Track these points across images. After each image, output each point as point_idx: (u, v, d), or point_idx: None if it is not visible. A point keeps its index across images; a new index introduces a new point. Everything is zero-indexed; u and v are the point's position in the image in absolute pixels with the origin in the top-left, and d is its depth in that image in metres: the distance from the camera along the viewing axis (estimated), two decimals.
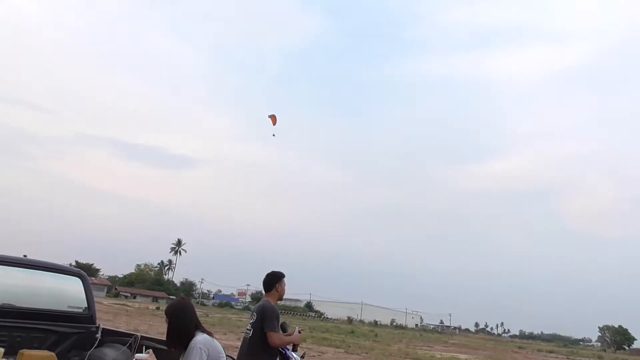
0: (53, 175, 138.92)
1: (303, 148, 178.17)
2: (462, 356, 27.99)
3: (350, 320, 75.79)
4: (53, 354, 4.35)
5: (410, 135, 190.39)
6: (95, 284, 68.12)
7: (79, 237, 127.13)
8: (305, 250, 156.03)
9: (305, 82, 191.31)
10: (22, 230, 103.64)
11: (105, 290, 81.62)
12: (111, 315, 24.16)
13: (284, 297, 4.48)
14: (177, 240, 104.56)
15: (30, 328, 4.60)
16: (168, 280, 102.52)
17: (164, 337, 3.48)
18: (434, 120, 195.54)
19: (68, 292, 5.12)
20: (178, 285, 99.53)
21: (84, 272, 5.42)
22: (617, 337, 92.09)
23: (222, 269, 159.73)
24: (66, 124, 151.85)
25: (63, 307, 4.98)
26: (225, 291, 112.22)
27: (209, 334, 3.14)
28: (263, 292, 4.42)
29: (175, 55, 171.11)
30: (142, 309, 42.30)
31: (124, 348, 4.67)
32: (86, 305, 5.12)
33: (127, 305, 45.80)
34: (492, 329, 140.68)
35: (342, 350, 21.15)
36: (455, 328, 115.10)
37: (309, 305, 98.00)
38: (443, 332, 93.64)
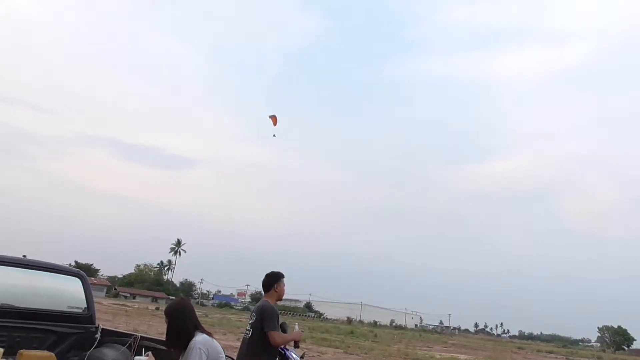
0: (53, 175, 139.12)
1: (303, 148, 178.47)
2: (462, 356, 27.98)
3: (349, 321, 75.79)
4: (52, 354, 4.35)
5: (410, 135, 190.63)
6: (94, 284, 68.07)
7: (78, 237, 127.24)
8: (305, 250, 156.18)
9: (305, 82, 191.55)
10: (21, 230, 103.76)
11: (105, 290, 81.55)
12: (110, 316, 24.14)
13: (284, 297, 4.48)
14: (176, 240, 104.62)
15: (29, 328, 4.60)
16: (167, 280, 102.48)
17: (163, 338, 3.47)
18: (434, 120, 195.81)
19: (67, 292, 5.11)
20: (177, 285, 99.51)
21: (84, 272, 5.42)
22: (617, 338, 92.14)
23: (221, 270, 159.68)
24: (66, 124, 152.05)
25: (62, 307, 4.98)
26: (225, 291, 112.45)
27: (209, 334, 3.13)
28: (262, 292, 4.42)
29: (175, 55, 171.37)
30: (141, 309, 42.27)
31: (124, 348, 4.67)
32: (85, 306, 5.12)
33: (127, 306, 45.77)
34: (491, 329, 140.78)
35: (342, 351, 21.14)
36: (454, 328, 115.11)
37: (308, 306, 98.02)
38: (442, 333, 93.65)
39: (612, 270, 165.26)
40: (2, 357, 4.03)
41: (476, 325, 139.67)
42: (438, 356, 25.28)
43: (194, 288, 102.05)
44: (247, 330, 4.19)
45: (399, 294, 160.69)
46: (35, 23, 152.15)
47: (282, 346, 4.33)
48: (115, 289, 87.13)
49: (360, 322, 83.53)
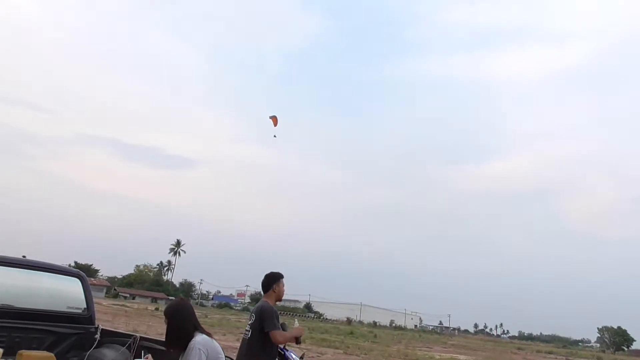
0: (53, 175, 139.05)
1: (303, 148, 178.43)
2: (461, 357, 27.98)
3: (349, 321, 75.78)
4: (52, 354, 4.36)
5: (410, 135, 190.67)
6: (94, 284, 68.04)
7: (78, 237, 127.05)
8: (304, 250, 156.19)
9: (305, 82, 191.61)
10: (21, 230, 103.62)
11: (105, 290, 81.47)
12: (110, 316, 24.12)
13: (283, 298, 4.48)
14: (176, 240, 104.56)
15: (29, 329, 4.60)
16: (167, 281, 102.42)
17: (163, 338, 3.48)
18: (434, 120, 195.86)
19: (67, 293, 5.12)
20: (177, 286, 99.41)
21: (83, 272, 5.42)
22: (616, 338, 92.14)
23: (221, 270, 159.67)
24: (66, 124, 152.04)
25: (62, 308, 4.98)
26: (225, 292, 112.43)
27: (208, 334, 3.14)
28: (262, 293, 4.43)
29: (175, 55, 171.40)
30: (141, 309, 42.25)
31: (123, 349, 4.67)
32: (85, 306, 5.12)
33: (126, 306, 45.73)
34: (491, 329, 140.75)
35: (341, 351, 21.13)
36: (454, 329, 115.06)
37: (308, 306, 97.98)
38: (442, 333, 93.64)
39: (612, 271, 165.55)
40: (1, 358, 4.04)
41: (476, 325, 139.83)
42: (438, 357, 25.28)
43: (193, 288, 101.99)
44: (246, 330, 4.19)
45: (399, 294, 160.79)
46: (35, 23, 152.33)
47: (282, 346, 4.34)
48: (114, 289, 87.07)
49: (360, 322, 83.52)
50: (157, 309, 45.42)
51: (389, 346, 29.12)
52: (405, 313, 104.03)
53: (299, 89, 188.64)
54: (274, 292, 4.28)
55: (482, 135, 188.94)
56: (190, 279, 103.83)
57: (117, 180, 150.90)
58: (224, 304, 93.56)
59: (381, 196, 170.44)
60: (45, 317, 4.75)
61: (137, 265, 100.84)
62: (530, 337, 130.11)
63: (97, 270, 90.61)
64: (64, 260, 73.76)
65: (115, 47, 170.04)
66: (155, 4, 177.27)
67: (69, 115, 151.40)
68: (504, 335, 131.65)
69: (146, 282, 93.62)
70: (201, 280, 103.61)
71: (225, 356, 3.26)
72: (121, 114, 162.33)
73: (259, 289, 4.43)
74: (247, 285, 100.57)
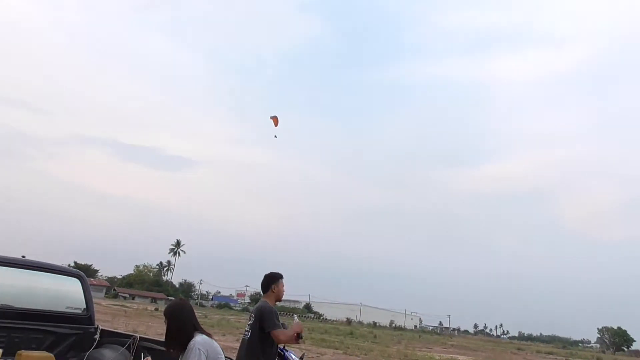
0: (52, 175, 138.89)
1: (302, 149, 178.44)
2: (461, 357, 27.98)
3: (349, 322, 75.70)
4: (51, 354, 4.36)
5: (409, 137, 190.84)
6: (93, 284, 68.02)
7: (77, 237, 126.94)
8: (304, 251, 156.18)
9: (303, 84, 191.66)
10: (20, 230, 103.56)
11: (104, 291, 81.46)
12: (110, 316, 24.10)
13: (283, 298, 4.47)
14: (176, 241, 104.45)
15: (28, 329, 4.59)
16: (167, 281, 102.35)
17: (162, 338, 3.47)
18: (433, 122, 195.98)
19: (66, 293, 5.11)
20: (177, 286, 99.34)
21: (83, 272, 5.42)
22: (616, 339, 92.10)
23: (221, 270, 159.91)
24: (65, 125, 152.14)
25: (61, 308, 4.98)
26: (224, 292, 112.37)
27: (208, 335, 3.13)
28: (261, 293, 4.42)
29: (174, 56, 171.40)
30: (140, 310, 42.23)
31: (123, 349, 4.67)
32: (85, 306, 5.11)
33: (126, 306, 45.71)
34: (491, 330, 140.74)
35: (341, 352, 21.12)
36: (454, 329, 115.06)
37: (307, 307, 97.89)
38: (442, 334, 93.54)
39: (612, 271, 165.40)
40: (1, 358, 4.03)
41: (476, 326, 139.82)
42: (437, 357, 25.27)
43: (193, 289, 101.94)
44: (245, 331, 4.18)
45: (399, 294, 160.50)
46: (34, 23, 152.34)
47: (282, 346, 4.33)
48: (114, 289, 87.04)
49: (360, 323, 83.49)
50: (156, 309, 45.40)
51: (388, 346, 29.10)
52: (405, 313, 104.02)
53: (297, 90, 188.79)
54: (273, 292, 4.27)
55: (481, 138, 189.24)
56: (189, 279, 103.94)
57: (116, 180, 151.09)
58: (223, 304, 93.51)
59: (381, 197, 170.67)
60: (44, 318, 4.74)
61: (136, 266, 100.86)
62: (530, 338, 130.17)
63: (96, 271, 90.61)
64: (64, 260, 73.82)
65: (115, 48, 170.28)
66: (154, 6, 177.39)
67: (68, 116, 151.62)
68: (504, 336, 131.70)
69: (146, 283, 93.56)
70: (201, 280, 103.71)
71: (225, 356, 3.26)
72: (120, 115, 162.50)
73: (259, 289, 4.43)
74: (246, 286, 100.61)
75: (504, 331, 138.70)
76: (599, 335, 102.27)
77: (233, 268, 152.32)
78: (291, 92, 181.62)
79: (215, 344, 3.11)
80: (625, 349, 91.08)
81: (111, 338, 5.02)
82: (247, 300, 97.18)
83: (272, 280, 4.30)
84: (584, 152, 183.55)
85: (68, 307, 5.04)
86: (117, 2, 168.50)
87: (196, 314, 3.28)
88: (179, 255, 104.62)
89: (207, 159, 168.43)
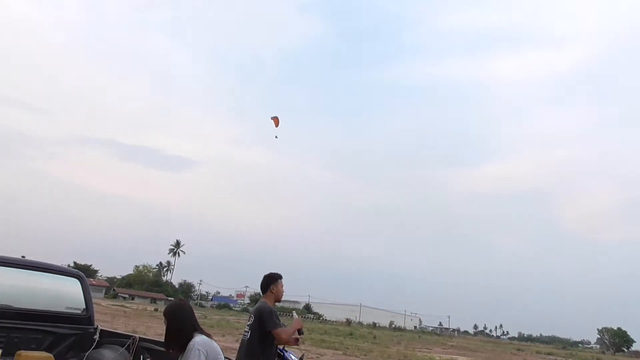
0: (52, 176, 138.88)
1: (302, 149, 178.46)
2: (461, 358, 27.99)
3: (348, 322, 75.66)
4: (51, 355, 4.35)
5: (409, 137, 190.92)
6: (93, 285, 67.91)
7: (77, 237, 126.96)
8: (304, 251, 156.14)
9: (303, 84, 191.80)
10: (20, 231, 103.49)
11: (104, 291, 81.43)
12: (109, 317, 24.09)
13: (283, 298, 4.47)
14: (175, 241, 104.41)
15: (28, 329, 4.59)
16: (166, 281, 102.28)
17: (162, 339, 3.47)
18: (433, 122, 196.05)
19: (66, 293, 5.11)
20: (176, 286, 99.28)
21: (82, 273, 5.42)
22: (616, 339, 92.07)
23: (220, 271, 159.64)
24: (65, 125, 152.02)
25: (61, 308, 4.97)
26: (224, 293, 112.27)
27: (208, 335, 3.13)
28: (261, 294, 4.42)
29: (174, 56, 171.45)
30: (140, 310, 42.21)
31: (122, 349, 4.66)
32: (84, 307, 5.11)
33: (126, 307, 45.68)
34: (490, 331, 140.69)
35: (341, 352, 21.11)
36: (454, 330, 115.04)
37: (307, 307, 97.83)
38: (442, 334, 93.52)
39: (611, 272, 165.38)
40: (0, 358, 4.03)
41: (475, 326, 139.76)
42: (437, 358, 25.27)
43: (192, 289, 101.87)
44: (245, 331, 4.18)
45: (398, 295, 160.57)
46: (33, 24, 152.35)
47: (281, 347, 4.33)
48: (114, 289, 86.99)
49: (360, 323, 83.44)
50: (156, 309, 45.39)
51: (388, 347, 29.08)
52: (405, 314, 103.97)
53: (297, 91, 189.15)
54: (272, 292, 4.27)
55: (481, 137, 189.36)
56: (189, 280, 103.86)
57: (116, 180, 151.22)
58: (223, 304, 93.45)
59: (380, 197, 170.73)
60: (44, 318, 4.74)
61: (136, 266, 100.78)
62: (530, 338, 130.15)
63: (96, 271, 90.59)
64: (63, 260, 73.76)
65: (115, 48, 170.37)
66: (154, 5, 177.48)
67: (68, 116, 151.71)
68: (504, 337, 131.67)
69: (145, 283, 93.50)
70: (200, 280, 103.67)
71: (225, 357, 3.25)
72: (120, 115, 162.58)
73: (259, 289, 4.43)
74: (246, 286, 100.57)
75: (503, 332, 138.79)
76: (599, 336, 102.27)
77: (233, 268, 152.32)
78: (291, 92, 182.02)
79: (215, 344, 3.11)
80: (625, 350, 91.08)
81: (111, 338, 5.01)
82: (247, 300, 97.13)
83: (271, 281, 4.30)
84: (584, 152, 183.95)
85: (67, 308, 5.03)
86: (117, 2, 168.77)
87: (196, 314, 3.27)
88: (179, 255, 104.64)
89: (207, 159, 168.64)
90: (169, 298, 75.34)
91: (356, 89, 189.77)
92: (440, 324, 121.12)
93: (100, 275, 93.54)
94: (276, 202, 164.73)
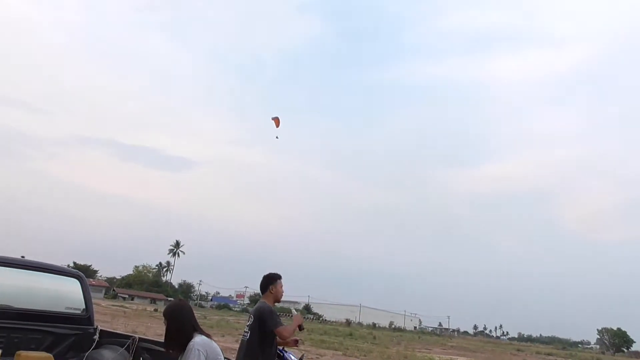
0: (52, 176, 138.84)
1: (302, 149, 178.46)
2: (461, 359, 27.99)
3: (348, 323, 75.63)
4: (50, 355, 4.35)
5: (409, 137, 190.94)
6: (93, 285, 67.90)
7: (77, 238, 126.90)
8: (304, 251, 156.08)
9: (303, 84, 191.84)
10: (20, 231, 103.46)
11: (103, 291, 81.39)
12: (109, 317, 24.09)
13: (282, 299, 4.48)
14: (175, 242, 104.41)
15: (27, 329, 4.59)
16: (166, 282, 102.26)
17: (162, 339, 3.47)
18: (433, 122, 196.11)
19: (66, 294, 5.11)
20: (176, 287, 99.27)
21: (82, 273, 5.42)
22: (616, 340, 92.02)
23: (220, 271, 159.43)
24: (65, 125, 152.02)
25: (61, 309, 4.97)
26: (224, 293, 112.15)
27: (207, 335, 3.13)
28: (260, 294, 4.42)
29: (174, 56, 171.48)
30: (140, 310, 42.21)
31: (122, 350, 4.66)
32: (84, 307, 5.11)
33: (125, 307, 45.66)
34: (490, 331, 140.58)
35: (341, 353, 21.11)
36: (453, 330, 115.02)
37: (307, 308, 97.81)
38: (442, 335, 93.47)
39: (611, 273, 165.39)
40: (0, 358, 4.03)
41: (475, 327, 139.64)
42: (437, 358, 25.26)
43: (192, 289, 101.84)
44: (244, 332, 4.18)
45: (398, 295, 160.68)
46: (33, 24, 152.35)
47: (280, 348, 4.33)
48: (113, 290, 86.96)
49: (359, 324, 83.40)
50: (156, 310, 45.39)
51: (388, 347, 29.08)
52: (405, 314, 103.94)
53: (297, 90, 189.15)
54: (271, 293, 4.27)
55: (481, 137, 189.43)
56: (189, 280, 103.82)
57: (116, 180, 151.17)
58: (222, 305, 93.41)
59: (380, 197, 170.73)
60: (43, 318, 4.74)
61: (136, 266, 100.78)
62: (530, 339, 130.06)
63: (96, 271, 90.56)
64: (63, 260, 73.86)
65: (115, 48, 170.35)
66: (154, 5, 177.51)
67: (68, 116, 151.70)
68: (504, 337, 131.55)
69: (145, 283, 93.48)
70: (200, 281, 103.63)
71: (225, 357, 3.25)
72: (120, 115, 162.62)
73: (258, 290, 4.43)
74: (246, 287, 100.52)
75: (503, 332, 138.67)
76: (599, 337, 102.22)
77: (232, 269, 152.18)
78: (291, 92, 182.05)
79: (215, 344, 3.11)
80: (625, 350, 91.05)
81: (110, 339, 5.01)
82: (247, 301, 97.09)
83: (270, 281, 4.30)
84: (584, 152, 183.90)
85: (67, 308, 5.03)
86: (117, 2, 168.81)
87: (195, 314, 3.28)
88: (178, 255, 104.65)
89: (207, 159, 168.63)
90: (169, 298, 75.30)
91: (356, 89, 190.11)
92: (440, 324, 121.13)
93: (100, 276, 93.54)
94: (276, 202, 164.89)
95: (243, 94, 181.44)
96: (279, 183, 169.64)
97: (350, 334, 40.66)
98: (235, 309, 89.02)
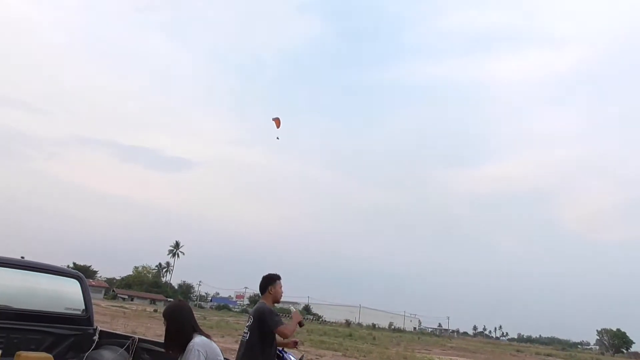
0: (52, 176, 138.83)
1: (302, 149, 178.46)
2: (460, 359, 27.97)
3: (348, 323, 75.61)
4: (50, 355, 4.36)
5: (409, 137, 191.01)
6: (92, 285, 67.88)
7: (76, 238, 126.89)
8: (304, 251, 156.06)
9: (303, 84, 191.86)
10: (19, 231, 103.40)
11: (103, 292, 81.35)
12: (109, 318, 24.09)
13: (282, 299, 4.48)
14: (175, 242, 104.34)
15: (27, 330, 4.59)
16: (166, 282, 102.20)
17: (161, 340, 3.47)
18: (433, 122, 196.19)
19: (65, 294, 5.11)
20: (176, 287, 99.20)
21: (82, 273, 5.42)
22: (615, 341, 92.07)
23: (220, 272, 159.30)
24: (65, 125, 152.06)
25: (60, 309, 4.97)
26: (223, 294, 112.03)
27: (207, 336, 3.13)
28: (260, 295, 4.43)
29: (174, 57, 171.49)
30: (139, 311, 42.20)
31: (122, 350, 4.67)
32: (84, 307, 5.11)
33: (125, 308, 45.65)
34: (490, 332, 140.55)
35: (340, 354, 21.11)
36: (453, 331, 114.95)
37: (307, 308, 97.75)
38: (441, 335, 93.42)
39: (612, 272, 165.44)
40: (0, 358, 4.03)
41: (475, 327, 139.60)
42: (437, 359, 25.26)
43: (192, 290, 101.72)
44: (244, 333, 4.18)
45: (398, 296, 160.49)
46: (33, 24, 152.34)
47: (280, 348, 4.33)
48: (113, 290, 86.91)
49: (359, 324, 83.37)
50: (155, 310, 45.38)
51: (387, 348, 29.07)
52: (404, 315, 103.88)
53: (297, 90, 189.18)
54: (270, 293, 4.27)
55: (481, 137, 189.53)
56: (188, 281, 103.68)
57: (115, 181, 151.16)
58: (222, 305, 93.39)
59: (380, 197, 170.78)
60: (43, 318, 4.74)
61: (135, 267, 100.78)
62: (530, 340, 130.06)
63: (95, 272, 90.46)
64: (63, 261, 73.83)
65: (115, 48, 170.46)
66: (154, 5, 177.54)
67: (68, 116, 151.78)
68: (503, 338, 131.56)
69: (145, 284, 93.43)
70: (200, 281, 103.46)
71: (224, 358, 3.25)
72: (120, 115, 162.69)
73: (258, 290, 4.43)
74: (245, 287, 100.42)
75: (503, 333, 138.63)
76: (598, 337, 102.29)
77: (232, 269, 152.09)
78: (291, 92, 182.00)
79: (214, 345, 3.11)
80: (625, 351, 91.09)
81: (110, 339, 5.01)
82: (246, 301, 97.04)
83: (269, 282, 4.30)
84: (584, 152, 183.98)
85: (67, 308, 5.03)
86: (117, 2, 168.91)
87: (195, 315, 3.28)
88: (178, 256, 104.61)
89: (206, 159, 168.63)
90: (168, 299, 75.26)
91: (356, 89, 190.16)
92: (440, 325, 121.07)
93: (100, 276, 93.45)
94: (276, 202, 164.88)
95: (243, 94, 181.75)
96: (279, 183, 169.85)
97: (350, 335, 40.65)
98: (235, 310, 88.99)
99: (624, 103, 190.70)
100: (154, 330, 18.33)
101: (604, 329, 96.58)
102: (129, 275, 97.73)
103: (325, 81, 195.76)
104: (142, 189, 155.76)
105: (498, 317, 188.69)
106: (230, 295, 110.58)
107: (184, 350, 3.00)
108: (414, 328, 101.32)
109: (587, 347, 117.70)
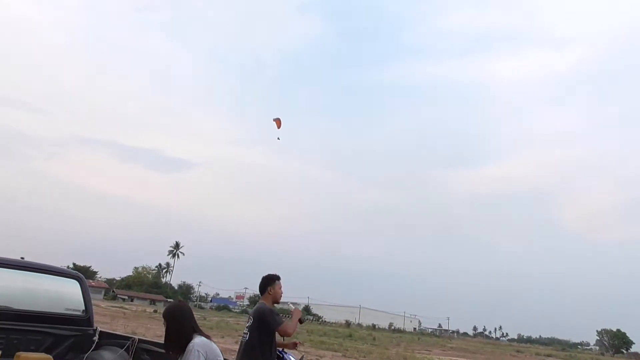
0: (52, 176, 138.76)
1: (302, 149, 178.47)
2: None
3: (348, 324, 75.61)
4: (50, 356, 4.36)
5: (409, 137, 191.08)
6: (92, 286, 67.82)
7: (76, 239, 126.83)
8: (304, 252, 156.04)
9: (303, 84, 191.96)
10: (19, 231, 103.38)
11: (103, 292, 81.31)
12: (108, 318, 24.09)
13: (281, 300, 4.48)
14: (175, 243, 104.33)
15: (27, 330, 4.59)
16: (166, 283, 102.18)
17: (161, 340, 3.47)
18: (433, 122, 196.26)
19: (65, 295, 5.11)
20: (176, 288, 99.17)
21: (82, 274, 5.43)
22: (615, 341, 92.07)
23: (220, 272, 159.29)
24: (65, 125, 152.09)
25: (60, 310, 4.98)
26: (223, 294, 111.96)
27: (207, 337, 3.12)
28: (260, 295, 4.43)
29: (173, 57, 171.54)
30: (139, 311, 42.19)
31: (121, 351, 4.67)
32: (83, 308, 5.11)
33: (125, 308, 45.62)
34: (490, 332, 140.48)
35: (340, 354, 21.11)
36: (453, 332, 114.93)
37: (307, 309, 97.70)
38: (441, 336, 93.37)
39: (612, 272, 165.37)
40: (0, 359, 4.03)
41: (475, 328, 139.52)
42: (436, 359, 25.26)
43: (192, 291, 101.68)
44: (244, 333, 4.18)
45: (398, 297, 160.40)
46: (33, 24, 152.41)
47: (280, 349, 4.33)
48: (113, 291, 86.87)
49: (359, 325, 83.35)
50: (155, 311, 45.38)
51: (387, 349, 29.07)
52: (404, 316, 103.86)
53: (297, 90, 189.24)
54: (270, 294, 4.27)
55: (481, 137, 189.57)
56: (188, 281, 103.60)
57: (115, 181, 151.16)
58: (222, 306, 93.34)
59: (380, 197, 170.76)
60: (43, 319, 4.74)
61: (135, 267, 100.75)
62: (530, 340, 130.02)
63: (95, 272, 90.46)
64: (63, 261, 73.75)
65: (115, 48, 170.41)
66: (154, 5, 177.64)
67: (68, 116, 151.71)
68: (503, 338, 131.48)
69: (145, 284, 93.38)
70: (200, 282, 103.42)
71: (224, 359, 3.25)
72: (120, 116, 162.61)
73: (258, 291, 4.43)
74: (245, 288, 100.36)
75: (503, 333, 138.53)
76: (598, 338, 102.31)
77: (232, 270, 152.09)
78: (291, 92, 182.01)
79: (214, 346, 3.11)
80: (625, 352, 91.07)
81: (110, 340, 5.01)
82: (246, 302, 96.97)
83: (268, 282, 4.30)
84: (584, 152, 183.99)
85: (67, 309, 5.04)
86: (117, 2, 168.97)
87: (195, 316, 3.28)
88: (178, 257, 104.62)
89: (206, 159, 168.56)
90: (168, 300, 75.21)
91: (356, 89, 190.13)
92: (440, 325, 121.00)
93: (100, 277, 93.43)
94: (276, 202, 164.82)
95: (243, 94, 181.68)
96: (279, 183, 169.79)
97: (350, 335, 40.64)
98: (235, 310, 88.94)
99: (624, 103, 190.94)
100: (154, 331, 18.33)
101: (604, 330, 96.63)
102: (129, 275, 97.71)
103: (325, 81, 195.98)
104: (142, 189, 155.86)
105: (498, 317, 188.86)
106: (230, 296, 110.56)
107: (184, 350, 3.00)
108: (414, 328, 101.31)
109: (587, 347, 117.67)
